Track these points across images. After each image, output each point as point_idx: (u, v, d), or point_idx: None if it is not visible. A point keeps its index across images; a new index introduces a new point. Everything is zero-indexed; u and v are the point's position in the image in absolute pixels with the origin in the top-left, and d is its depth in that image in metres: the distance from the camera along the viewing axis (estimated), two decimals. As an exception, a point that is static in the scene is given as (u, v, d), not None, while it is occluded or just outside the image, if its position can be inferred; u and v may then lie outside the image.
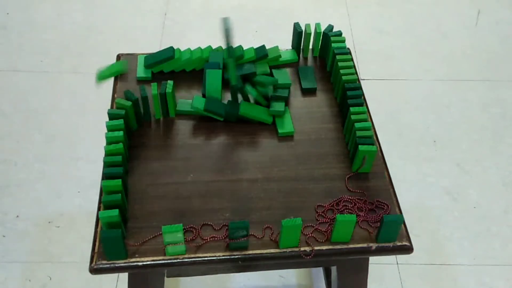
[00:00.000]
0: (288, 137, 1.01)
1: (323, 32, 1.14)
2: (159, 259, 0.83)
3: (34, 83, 1.92)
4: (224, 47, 0.97)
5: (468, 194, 1.66)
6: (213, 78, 1.01)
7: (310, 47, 1.18)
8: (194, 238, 0.86)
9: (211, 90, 1.03)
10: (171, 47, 1.10)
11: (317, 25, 1.14)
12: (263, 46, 1.11)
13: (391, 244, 0.87)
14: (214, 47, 1.12)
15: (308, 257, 0.85)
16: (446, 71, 2.05)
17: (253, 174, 0.95)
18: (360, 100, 1.00)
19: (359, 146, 0.92)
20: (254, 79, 1.03)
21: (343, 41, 1.11)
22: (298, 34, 1.14)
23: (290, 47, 1.18)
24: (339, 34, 1.13)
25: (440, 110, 1.90)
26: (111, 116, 0.96)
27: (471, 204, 1.63)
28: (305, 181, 0.94)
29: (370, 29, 2.21)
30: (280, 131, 1.01)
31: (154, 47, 1.98)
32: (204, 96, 1.07)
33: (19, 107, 1.84)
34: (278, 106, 1.03)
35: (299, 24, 1.14)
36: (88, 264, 0.83)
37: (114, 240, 0.79)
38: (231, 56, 0.95)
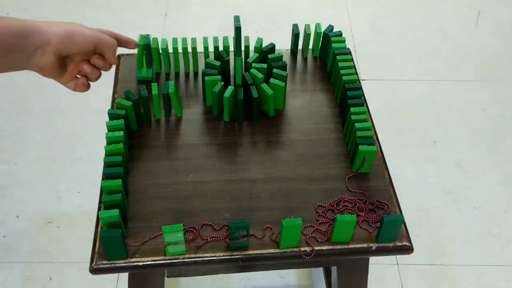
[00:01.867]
0: (289, 138, 1.01)
1: (323, 32, 1.14)
2: (159, 259, 0.83)
3: (34, 83, 1.92)
4: (233, 45, 0.97)
5: (468, 194, 1.66)
6: (212, 85, 1.02)
7: (310, 47, 1.18)
8: (194, 238, 0.86)
9: (211, 98, 1.03)
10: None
11: (317, 25, 1.14)
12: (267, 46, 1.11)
13: (391, 244, 0.87)
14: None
15: (308, 257, 0.85)
16: (446, 71, 2.05)
17: (253, 174, 0.95)
18: (361, 100, 1.00)
19: (360, 146, 0.92)
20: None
21: (344, 41, 1.11)
22: (295, 35, 1.14)
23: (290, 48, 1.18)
24: (340, 34, 1.13)
25: (440, 111, 1.90)
26: (111, 116, 0.96)
27: (471, 205, 1.63)
28: (305, 181, 0.94)
29: (371, 30, 2.21)
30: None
31: (154, 47, 1.98)
32: (204, 99, 1.07)
33: (19, 107, 1.84)
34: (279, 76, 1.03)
35: (297, 26, 1.14)
36: (88, 264, 0.83)
37: (114, 240, 0.79)
38: (239, 55, 0.96)
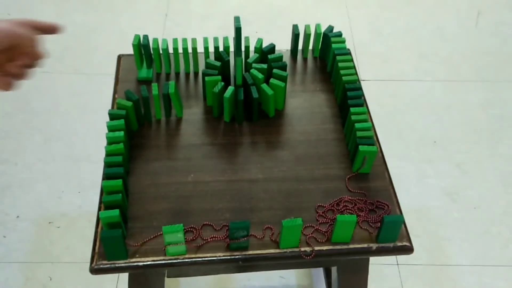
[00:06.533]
0: (289, 138, 1.01)
1: (324, 33, 1.14)
2: (159, 260, 0.83)
3: (35, 83, 1.92)
4: (234, 45, 0.97)
5: (468, 195, 1.66)
6: (212, 85, 1.02)
7: (310, 47, 1.18)
8: (194, 238, 0.86)
9: (211, 99, 1.03)
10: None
11: (317, 26, 1.14)
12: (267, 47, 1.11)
13: (391, 245, 0.87)
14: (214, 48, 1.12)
15: (308, 257, 0.85)
16: (446, 72, 2.05)
17: (254, 174, 0.95)
18: (361, 100, 1.00)
19: (360, 146, 0.92)
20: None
21: (343, 42, 1.11)
22: (295, 36, 1.14)
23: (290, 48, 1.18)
24: (340, 35, 1.13)
25: (440, 111, 1.90)
26: (112, 117, 0.96)
27: (471, 205, 1.63)
28: (305, 181, 0.94)
29: (371, 30, 2.21)
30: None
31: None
32: (205, 99, 1.07)
33: (19, 107, 1.84)
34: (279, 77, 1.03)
35: (297, 27, 1.14)
36: (89, 264, 0.83)
37: (115, 240, 0.79)
38: (239, 56, 0.96)
